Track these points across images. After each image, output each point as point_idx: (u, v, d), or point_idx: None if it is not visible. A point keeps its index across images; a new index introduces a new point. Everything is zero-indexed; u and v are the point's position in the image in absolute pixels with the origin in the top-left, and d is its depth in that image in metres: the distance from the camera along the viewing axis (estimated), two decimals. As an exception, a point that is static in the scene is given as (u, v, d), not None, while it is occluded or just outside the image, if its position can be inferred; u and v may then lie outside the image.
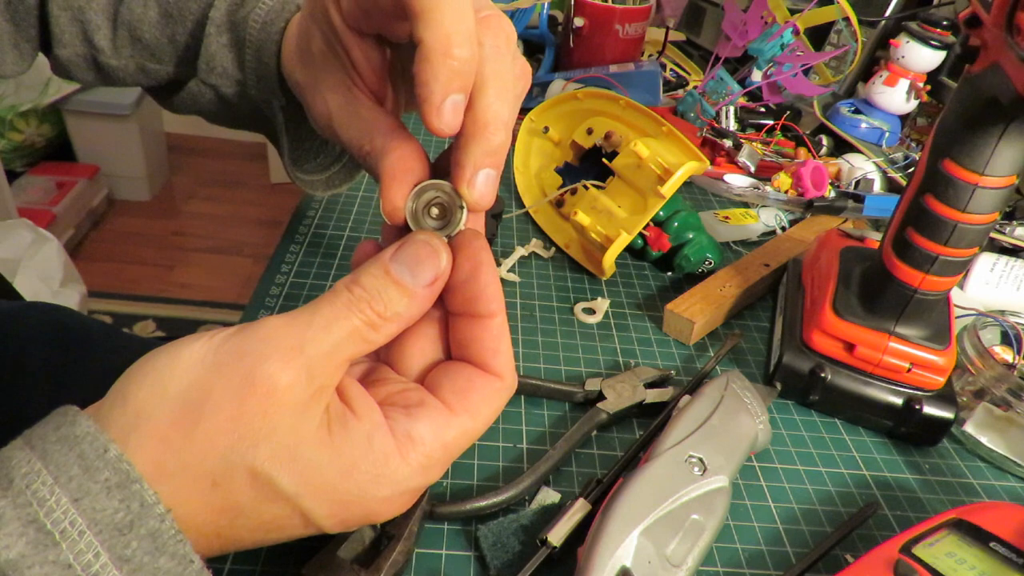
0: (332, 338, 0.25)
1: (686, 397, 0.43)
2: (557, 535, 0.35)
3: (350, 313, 0.25)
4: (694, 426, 0.40)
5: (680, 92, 0.95)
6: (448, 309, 0.30)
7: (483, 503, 0.38)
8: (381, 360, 0.31)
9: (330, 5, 0.31)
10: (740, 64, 0.87)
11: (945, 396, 0.47)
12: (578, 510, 0.37)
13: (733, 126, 0.85)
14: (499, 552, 0.36)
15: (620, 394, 0.46)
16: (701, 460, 0.38)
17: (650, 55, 1.08)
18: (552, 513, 0.37)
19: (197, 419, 0.23)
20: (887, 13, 0.89)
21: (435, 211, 0.28)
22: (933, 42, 0.79)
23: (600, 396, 0.46)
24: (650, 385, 0.47)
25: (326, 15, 0.31)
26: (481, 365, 0.29)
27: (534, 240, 0.64)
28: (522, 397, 0.47)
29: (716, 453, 0.39)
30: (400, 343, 0.30)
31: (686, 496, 0.36)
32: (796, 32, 0.80)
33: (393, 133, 0.30)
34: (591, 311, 0.56)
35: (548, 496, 0.40)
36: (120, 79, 0.47)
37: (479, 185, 0.27)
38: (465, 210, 0.27)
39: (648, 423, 0.44)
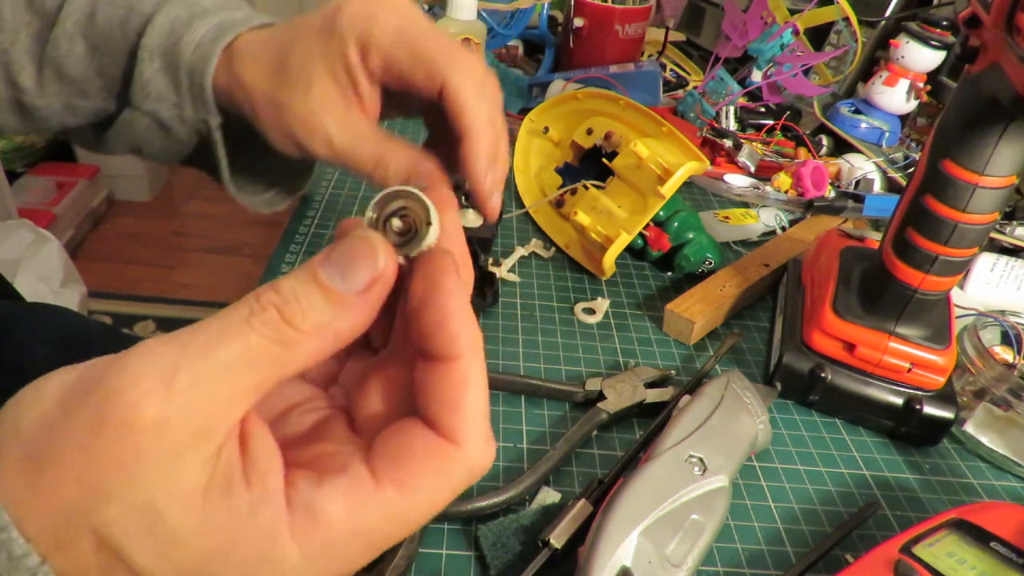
0: (219, 362, 0.19)
1: (686, 397, 0.43)
2: (559, 536, 0.35)
3: (247, 329, 0.20)
4: (694, 426, 0.40)
5: (680, 92, 0.95)
6: (413, 347, 0.23)
7: (484, 503, 0.38)
8: (347, 406, 0.26)
9: (350, 51, 0.36)
10: (740, 64, 0.87)
11: (945, 396, 0.47)
12: (579, 511, 0.37)
13: (733, 126, 0.85)
14: (499, 552, 0.36)
15: (620, 394, 0.46)
16: (701, 460, 0.38)
17: (650, 55, 1.08)
18: (552, 513, 0.37)
19: (41, 466, 0.19)
20: (887, 13, 0.89)
21: (397, 223, 0.22)
22: (933, 42, 0.79)
23: (600, 396, 0.46)
24: (650, 385, 0.47)
25: (343, 54, 0.36)
26: (433, 423, 0.22)
27: (534, 240, 0.64)
28: (522, 397, 0.47)
29: (716, 453, 0.39)
30: (365, 389, 0.25)
31: (686, 496, 0.36)
32: (796, 32, 0.80)
33: (416, 158, 0.36)
34: (591, 311, 0.56)
35: (548, 496, 0.40)
36: (44, 118, 0.46)
37: (495, 203, 0.36)
38: (435, 227, 0.22)
39: (648, 423, 0.44)
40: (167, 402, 0.19)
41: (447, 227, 0.24)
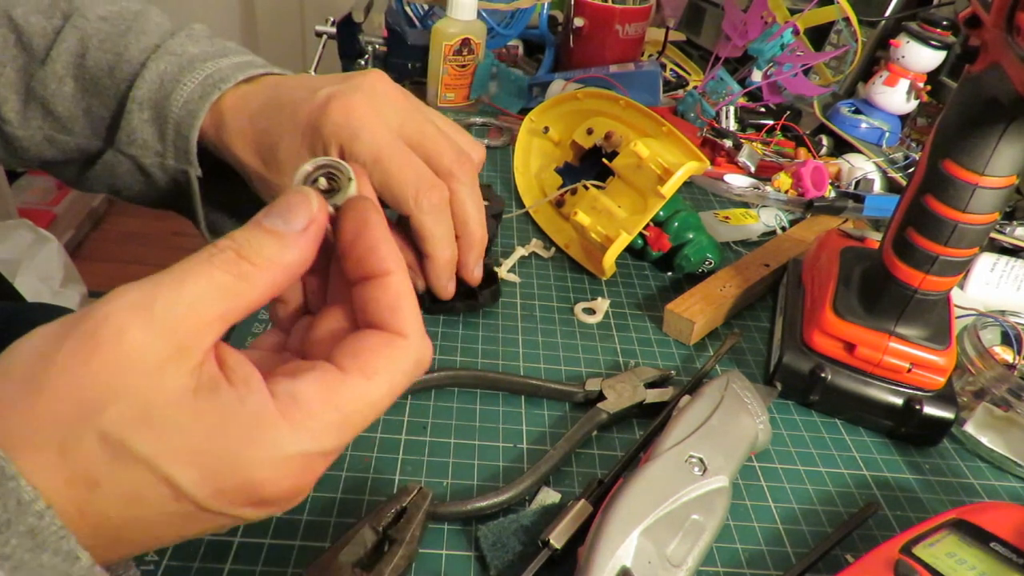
0: (189, 293, 0.23)
1: (686, 397, 0.43)
2: (559, 536, 0.35)
3: (211, 267, 0.23)
4: (694, 426, 0.40)
5: (680, 92, 0.95)
6: (349, 281, 0.28)
7: (483, 503, 0.38)
8: (292, 352, 0.30)
9: (332, 153, 0.41)
10: (740, 64, 0.87)
11: (945, 396, 0.47)
12: (579, 511, 0.36)
13: (733, 126, 0.85)
14: (499, 552, 0.36)
15: (620, 394, 0.46)
16: (701, 460, 0.38)
17: (650, 55, 1.08)
18: (552, 513, 0.37)
19: (39, 389, 0.21)
20: (887, 13, 0.89)
21: (323, 182, 0.27)
22: (933, 42, 0.79)
23: (600, 396, 0.46)
24: (650, 385, 0.47)
25: (326, 151, 0.41)
26: (381, 326, 0.26)
27: (534, 240, 0.64)
28: (522, 397, 0.47)
29: (716, 453, 0.39)
30: (314, 331, 0.29)
31: (686, 496, 0.36)
32: (796, 32, 0.80)
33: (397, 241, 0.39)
34: (591, 311, 0.56)
35: (548, 496, 0.40)
36: (24, 149, 0.47)
37: (477, 272, 0.48)
38: (354, 183, 0.27)
39: (648, 423, 0.44)
40: (148, 325, 0.22)
41: (363, 191, 0.28)
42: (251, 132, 0.43)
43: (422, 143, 0.43)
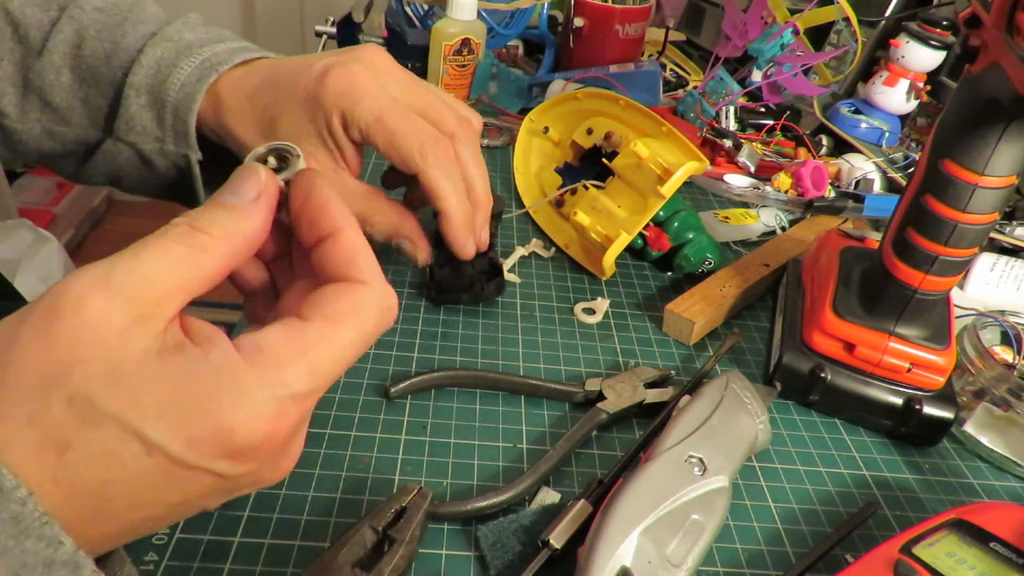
0: (145, 265, 0.23)
1: (686, 397, 0.43)
2: (559, 536, 0.35)
3: (165, 240, 0.24)
4: (694, 426, 0.40)
5: (680, 92, 0.95)
6: (305, 249, 0.28)
7: (484, 503, 0.38)
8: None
9: (334, 122, 0.41)
10: (740, 64, 0.87)
11: (945, 396, 0.47)
12: (579, 511, 0.36)
13: (733, 126, 0.85)
14: (499, 552, 0.36)
15: (620, 394, 0.46)
16: (701, 460, 0.38)
17: (650, 55, 1.08)
18: (552, 513, 0.37)
19: (4, 368, 0.21)
20: (887, 13, 0.89)
21: (273, 161, 0.29)
22: (933, 42, 0.79)
23: (600, 396, 0.46)
24: (650, 385, 0.47)
25: (328, 124, 0.41)
26: (340, 278, 0.27)
27: (534, 240, 0.64)
28: (522, 397, 0.47)
29: (716, 453, 0.39)
30: (278, 304, 0.30)
31: (686, 496, 0.36)
32: (796, 32, 0.80)
33: (398, 213, 0.45)
34: (591, 311, 0.56)
35: (548, 496, 0.40)
36: (23, 142, 0.48)
37: (484, 236, 0.47)
38: (301, 159, 0.28)
39: (648, 423, 0.44)
40: (107, 295, 0.22)
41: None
42: (250, 110, 0.43)
43: (424, 110, 0.43)
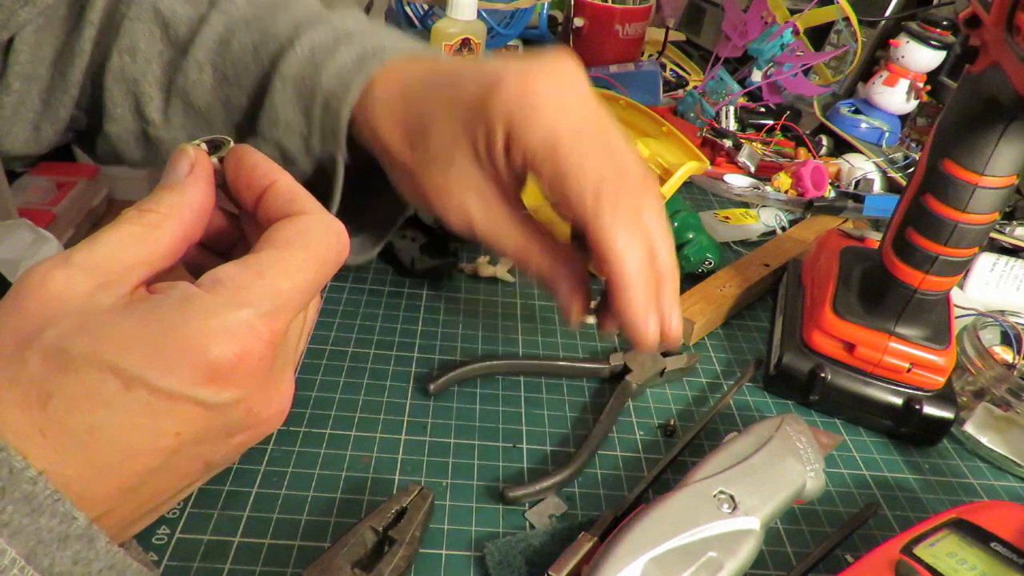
0: (104, 245, 0.25)
1: (732, 433, 0.41)
2: (564, 571, 0.34)
3: (119, 224, 0.25)
4: (731, 462, 0.38)
5: (680, 92, 0.95)
6: (250, 214, 0.29)
7: (548, 482, 0.40)
8: None
9: (497, 141, 0.35)
10: (740, 64, 0.87)
11: (945, 396, 0.47)
12: (590, 547, 0.35)
13: (733, 126, 0.85)
14: (505, 571, 0.36)
15: (643, 365, 0.49)
16: (732, 497, 0.36)
17: (650, 55, 1.08)
18: (560, 536, 0.37)
19: None
20: (887, 13, 0.89)
21: (204, 147, 0.30)
22: (933, 42, 0.79)
23: (626, 369, 0.49)
24: (665, 354, 0.50)
25: (488, 142, 0.35)
26: (284, 216, 0.27)
27: (534, 240, 0.64)
28: (522, 397, 0.47)
29: (751, 493, 0.36)
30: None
31: (707, 532, 0.34)
32: (796, 32, 0.80)
33: (559, 254, 0.39)
34: (592, 311, 0.56)
35: (553, 506, 0.40)
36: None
37: (676, 322, 0.37)
38: (232, 143, 0.30)
39: (673, 446, 0.44)
40: (69, 270, 0.23)
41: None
42: (402, 110, 0.37)
43: (604, 145, 0.35)
